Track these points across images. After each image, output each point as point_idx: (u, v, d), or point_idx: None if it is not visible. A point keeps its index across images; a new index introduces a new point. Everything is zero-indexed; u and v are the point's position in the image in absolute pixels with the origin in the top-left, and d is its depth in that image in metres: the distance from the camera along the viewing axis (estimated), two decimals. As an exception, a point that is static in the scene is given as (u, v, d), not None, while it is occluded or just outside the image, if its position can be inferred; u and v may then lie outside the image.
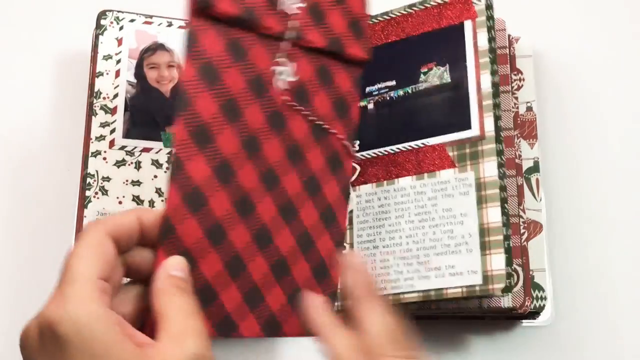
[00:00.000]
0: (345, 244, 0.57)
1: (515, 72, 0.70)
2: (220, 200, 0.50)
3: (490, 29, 0.64)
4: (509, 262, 0.59)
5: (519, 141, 0.67)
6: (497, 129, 0.62)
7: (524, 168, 0.67)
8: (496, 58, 0.64)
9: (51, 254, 0.69)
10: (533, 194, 0.67)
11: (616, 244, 0.68)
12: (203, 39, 0.50)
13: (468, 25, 0.65)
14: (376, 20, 0.70)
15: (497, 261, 0.59)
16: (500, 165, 0.61)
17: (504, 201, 0.60)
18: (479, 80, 0.64)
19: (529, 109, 0.69)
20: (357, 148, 0.67)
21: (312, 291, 0.53)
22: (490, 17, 0.64)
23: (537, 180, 0.67)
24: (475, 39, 0.65)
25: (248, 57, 0.51)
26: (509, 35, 0.69)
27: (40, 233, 0.71)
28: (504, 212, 0.60)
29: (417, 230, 0.63)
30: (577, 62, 0.73)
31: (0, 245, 0.71)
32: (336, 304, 0.54)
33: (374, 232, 0.64)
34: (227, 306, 0.51)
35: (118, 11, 0.73)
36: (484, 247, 0.60)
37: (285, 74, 0.53)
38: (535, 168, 0.68)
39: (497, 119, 0.62)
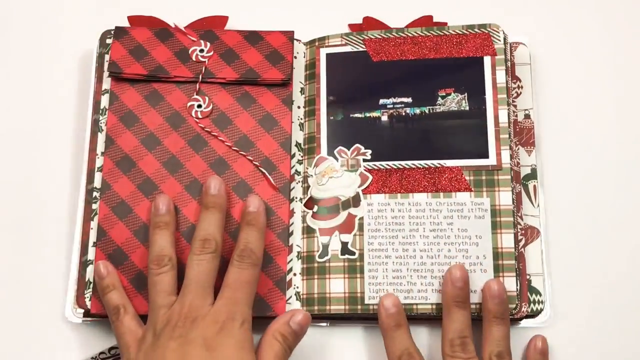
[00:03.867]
0: (289, 236, 0.67)
1: (514, 80, 0.70)
2: (145, 208, 0.66)
3: (508, 70, 0.67)
4: (519, 285, 0.63)
5: (517, 148, 0.68)
6: (512, 162, 0.65)
7: (522, 175, 0.68)
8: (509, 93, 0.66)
9: (56, 267, 0.69)
10: (530, 201, 0.68)
11: (613, 250, 0.68)
12: (123, 97, 0.68)
13: (487, 61, 0.68)
14: (390, 35, 0.70)
15: (510, 283, 0.63)
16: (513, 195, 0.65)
17: (516, 228, 0.64)
18: (496, 114, 0.66)
19: (527, 116, 0.70)
20: (368, 157, 0.68)
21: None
22: (507, 59, 0.66)
23: (535, 186, 0.68)
24: (494, 75, 0.67)
25: (166, 100, 0.68)
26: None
27: (45, 246, 0.69)
28: (517, 240, 0.64)
29: (432, 245, 0.65)
30: (575, 70, 0.73)
31: (5, 256, 0.69)
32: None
33: (387, 242, 0.66)
34: None
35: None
36: (497, 269, 0.64)
37: (200, 106, 0.68)
38: (532, 175, 0.68)
39: (513, 153, 0.65)
